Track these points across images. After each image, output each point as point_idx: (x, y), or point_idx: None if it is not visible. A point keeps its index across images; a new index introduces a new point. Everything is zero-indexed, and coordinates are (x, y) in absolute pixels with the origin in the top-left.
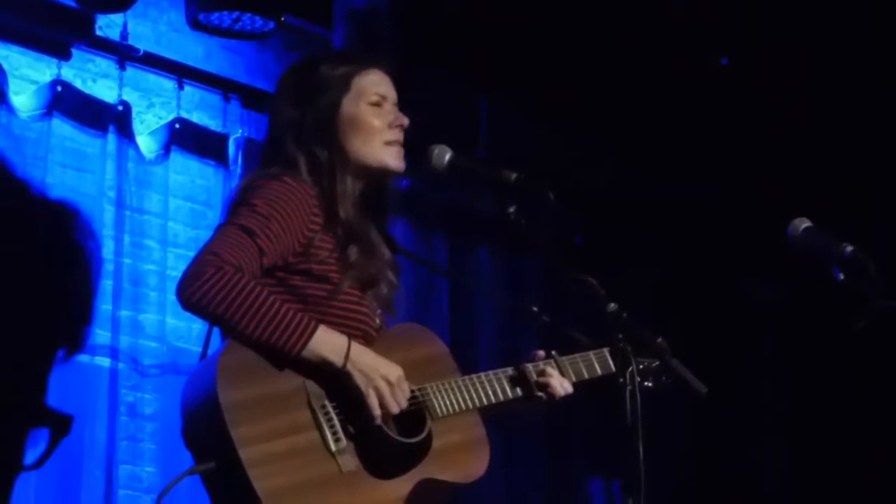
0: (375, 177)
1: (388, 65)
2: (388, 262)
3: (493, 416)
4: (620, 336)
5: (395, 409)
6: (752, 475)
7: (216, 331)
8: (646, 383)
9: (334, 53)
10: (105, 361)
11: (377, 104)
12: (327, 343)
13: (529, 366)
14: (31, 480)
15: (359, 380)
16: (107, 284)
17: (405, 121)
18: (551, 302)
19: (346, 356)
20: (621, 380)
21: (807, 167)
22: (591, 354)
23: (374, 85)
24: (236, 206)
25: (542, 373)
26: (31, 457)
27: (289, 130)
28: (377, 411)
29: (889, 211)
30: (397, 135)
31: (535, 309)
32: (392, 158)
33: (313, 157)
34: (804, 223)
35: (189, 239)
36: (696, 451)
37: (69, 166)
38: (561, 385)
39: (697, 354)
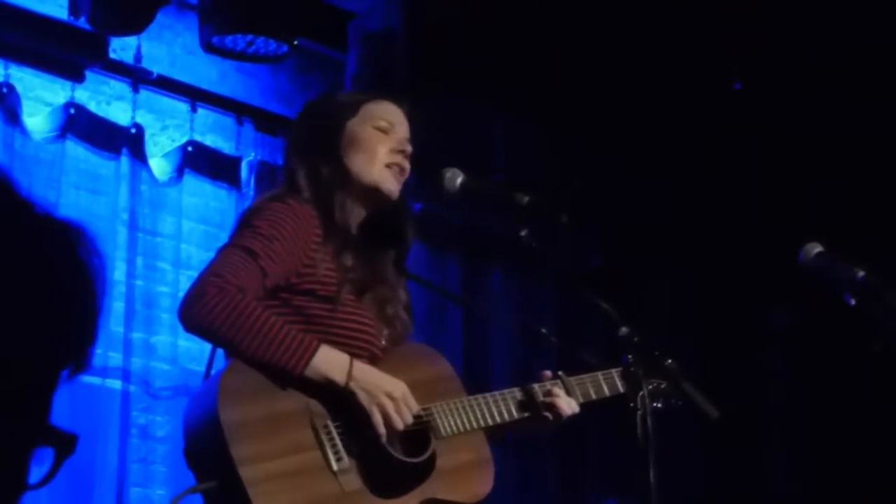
0: (372, 199)
1: (402, 101)
2: (402, 302)
3: (499, 436)
4: (631, 359)
5: (399, 426)
6: (766, 498)
7: (220, 351)
8: (655, 404)
9: (354, 88)
10: (117, 384)
11: (384, 130)
12: (329, 362)
13: (536, 386)
14: (41, 502)
15: (362, 398)
16: (119, 306)
17: (409, 148)
18: (565, 325)
19: (349, 374)
20: (632, 404)
21: (823, 189)
22: (600, 375)
23: (384, 112)
24: (239, 227)
25: (548, 393)
26: (37, 476)
27: (294, 148)
28: (381, 429)
29: None
30: (398, 159)
31: (543, 331)
32: (387, 182)
33: (314, 171)
34: (816, 248)
35: (202, 261)
36: (710, 474)
37: (83, 188)
38: (568, 405)
39: (712, 378)
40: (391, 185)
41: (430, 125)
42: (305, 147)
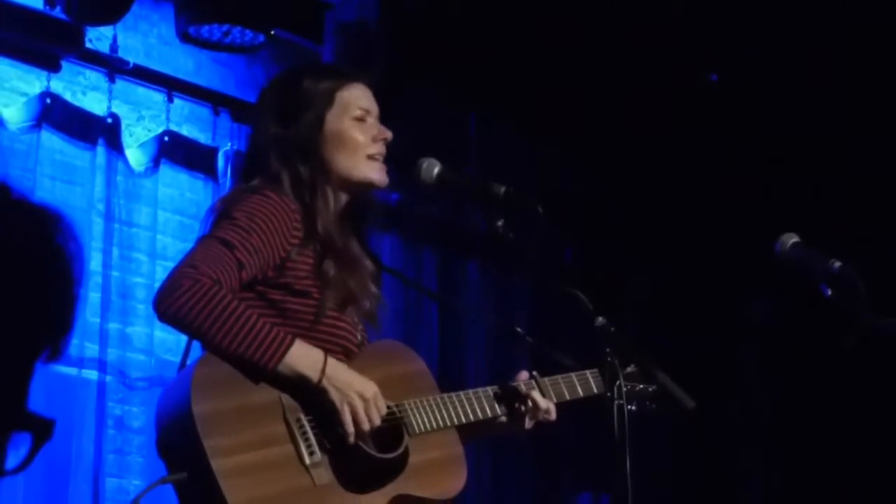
0: (359, 191)
1: (369, 78)
2: (370, 274)
3: (473, 436)
4: (608, 350)
5: (368, 426)
6: (741, 490)
7: (197, 343)
8: (630, 407)
9: (316, 68)
10: (93, 374)
11: (361, 119)
12: (303, 358)
13: (510, 385)
14: (17, 494)
15: (333, 395)
16: (95, 297)
17: (389, 134)
18: (541, 317)
19: (322, 371)
20: (609, 394)
21: (797, 182)
22: (574, 376)
23: (358, 99)
24: (217, 218)
25: (522, 394)
26: (13, 463)
27: (272, 147)
28: (351, 427)
29: (879, 227)
30: (380, 149)
31: (519, 330)
32: (375, 172)
33: (297, 173)
34: (792, 238)
35: (178, 252)
36: (685, 466)
37: (58, 179)
38: (541, 407)
39: (686, 370)
40: (378, 175)
41: (404, 117)
42: (282, 144)
